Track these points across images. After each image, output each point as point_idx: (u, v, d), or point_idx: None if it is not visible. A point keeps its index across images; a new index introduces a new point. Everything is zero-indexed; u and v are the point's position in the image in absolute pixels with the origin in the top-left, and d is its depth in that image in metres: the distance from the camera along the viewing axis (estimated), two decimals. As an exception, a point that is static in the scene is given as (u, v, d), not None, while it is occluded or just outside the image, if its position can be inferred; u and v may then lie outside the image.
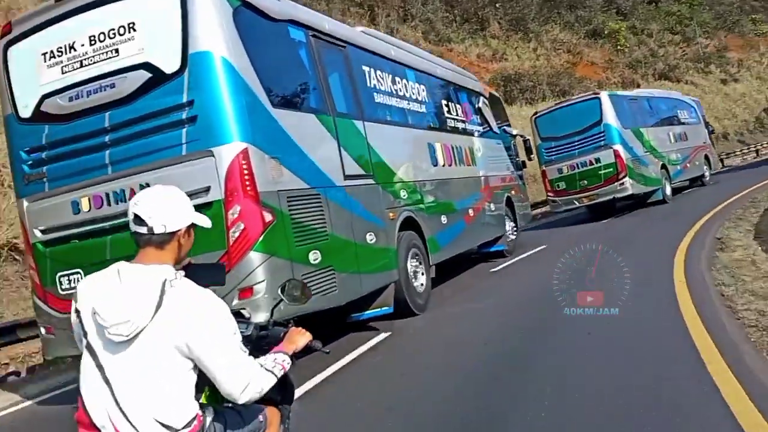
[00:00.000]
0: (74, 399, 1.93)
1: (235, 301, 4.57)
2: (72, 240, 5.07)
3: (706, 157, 21.64)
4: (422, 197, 7.82)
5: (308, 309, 5.19)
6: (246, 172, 4.61)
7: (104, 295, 1.82)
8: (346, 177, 6.00)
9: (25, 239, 5.39)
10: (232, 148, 4.60)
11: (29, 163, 5.19)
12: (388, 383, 4.82)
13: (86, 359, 1.86)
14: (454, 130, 9.89)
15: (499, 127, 12.81)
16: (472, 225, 9.83)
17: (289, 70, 5.66)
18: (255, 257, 4.59)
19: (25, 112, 5.18)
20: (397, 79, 7.93)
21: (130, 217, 1.92)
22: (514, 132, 14.47)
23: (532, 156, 16.12)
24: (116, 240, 4.90)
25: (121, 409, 1.79)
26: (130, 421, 1.78)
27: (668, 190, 17.28)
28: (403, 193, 7.27)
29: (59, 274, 5.09)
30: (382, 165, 6.89)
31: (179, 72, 4.65)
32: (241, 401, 1.90)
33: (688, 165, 19.70)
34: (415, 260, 7.18)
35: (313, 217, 5.35)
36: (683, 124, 20.82)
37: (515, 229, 12.38)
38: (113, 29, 4.85)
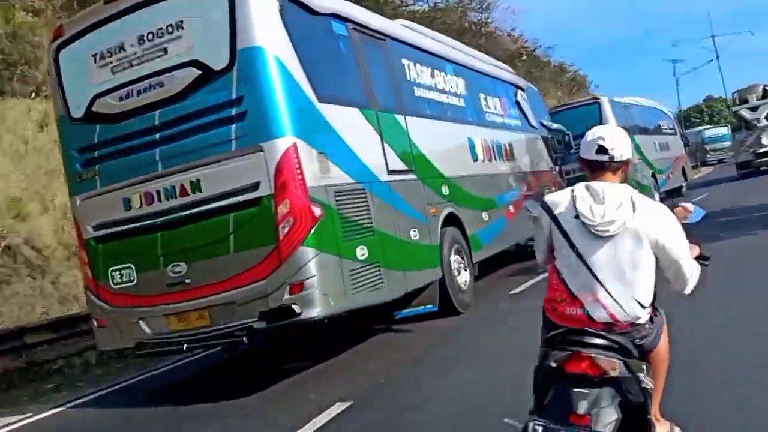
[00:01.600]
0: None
1: (286, 296, 4.74)
2: (124, 236, 5.32)
3: (683, 169, 22.57)
4: (463, 193, 7.91)
5: (357, 305, 5.36)
6: (296, 166, 4.78)
7: (587, 204, 2.38)
8: (390, 172, 6.13)
9: (78, 235, 5.67)
10: (281, 143, 4.77)
11: (81, 162, 5.47)
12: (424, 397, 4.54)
13: (567, 252, 2.42)
14: (493, 125, 9.95)
15: (538, 122, 12.84)
16: (513, 222, 9.86)
17: (333, 63, 5.82)
18: (306, 252, 4.74)
19: (77, 112, 5.44)
20: (436, 72, 8.05)
21: (593, 149, 2.46)
22: (553, 126, 14.43)
23: (572, 151, 16.08)
24: (166, 236, 5.12)
25: (603, 286, 2.33)
26: (611, 295, 2.33)
27: (657, 199, 17.49)
28: (444, 189, 7.37)
29: (111, 269, 5.34)
30: (424, 160, 7.01)
31: (228, 68, 4.85)
32: (687, 291, 2.47)
33: (670, 175, 20.45)
34: (457, 256, 7.27)
35: (359, 213, 5.49)
36: (665, 134, 21.77)
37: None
38: (161, 28, 5.08)
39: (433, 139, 7.41)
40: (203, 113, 4.94)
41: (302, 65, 5.09)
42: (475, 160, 8.77)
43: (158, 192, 5.10)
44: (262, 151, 4.78)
